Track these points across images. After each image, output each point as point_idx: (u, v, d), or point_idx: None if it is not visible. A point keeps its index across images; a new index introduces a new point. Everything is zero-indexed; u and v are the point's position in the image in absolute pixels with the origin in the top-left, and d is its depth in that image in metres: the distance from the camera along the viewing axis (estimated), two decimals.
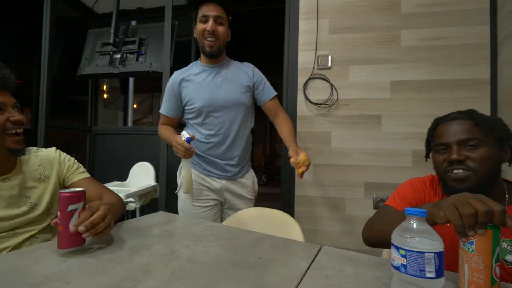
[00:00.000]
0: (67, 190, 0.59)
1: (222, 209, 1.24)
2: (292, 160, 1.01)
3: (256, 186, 1.27)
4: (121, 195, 1.68)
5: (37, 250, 0.62)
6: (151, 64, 1.92)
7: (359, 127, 1.35)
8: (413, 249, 0.34)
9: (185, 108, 1.19)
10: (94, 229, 0.59)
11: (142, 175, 2.14)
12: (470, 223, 0.46)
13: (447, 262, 0.46)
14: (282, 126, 1.18)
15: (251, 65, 1.26)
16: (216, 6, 1.11)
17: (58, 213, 0.58)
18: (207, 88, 1.16)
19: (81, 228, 0.57)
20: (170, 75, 1.83)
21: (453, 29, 1.27)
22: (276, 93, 1.22)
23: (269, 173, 6.97)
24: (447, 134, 0.70)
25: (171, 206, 1.92)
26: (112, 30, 2.01)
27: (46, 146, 0.90)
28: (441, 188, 0.75)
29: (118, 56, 1.99)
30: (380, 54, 1.34)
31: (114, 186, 2.10)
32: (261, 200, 1.29)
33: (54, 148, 0.89)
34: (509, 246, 0.64)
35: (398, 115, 1.31)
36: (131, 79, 3.42)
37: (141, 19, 2.41)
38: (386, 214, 0.74)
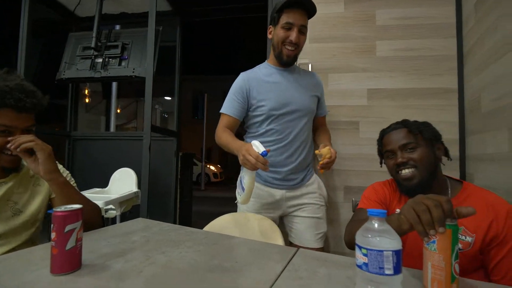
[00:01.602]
0: (62, 208, 0.53)
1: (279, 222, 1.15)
2: (316, 151, 0.98)
3: (325, 192, 1.19)
4: (100, 202, 1.65)
5: (6, 259, 0.60)
6: (134, 69, 1.90)
7: (338, 133, 1.39)
8: (374, 248, 0.36)
9: (251, 110, 1.10)
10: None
11: (123, 182, 2.09)
12: (427, 220, 0.50)
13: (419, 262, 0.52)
14: (323, 133, 1.18)
15: (317, 75, 1.22)
16: (302, 14, 1.04)
17: (53, 234, 0.52)
18: (280, 90, 1.09)
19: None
20: (154, 80, 1.84)
21: (424, 41, 1.35)
22: (327, 112, 1.25)
23: None
24: (391, 142, 0.83)
25: (153, 213, 1.88)
26: (94, 34, 1.98)
27: None
28: (397, 186, 0.86)
29: (100, 60, 1.96)
30: (358, 63, 1.40)
31: (93, 193, 2.04)
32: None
33: None
34: (459, 234, 0.70)
35: (374, 122, 1.36)
36: (114, 84, 3.36)
37: (124, 24, 2.39)
38: (361, 220, 0.79)
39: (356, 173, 1.38)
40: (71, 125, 2.59)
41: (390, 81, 1.36)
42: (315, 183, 1.16)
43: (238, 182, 1.04)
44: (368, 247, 0.37)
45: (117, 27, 2.45)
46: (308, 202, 1.12)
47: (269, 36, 1.12)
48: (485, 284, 0.56)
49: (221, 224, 1.04)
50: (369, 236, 0.38)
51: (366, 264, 0.37)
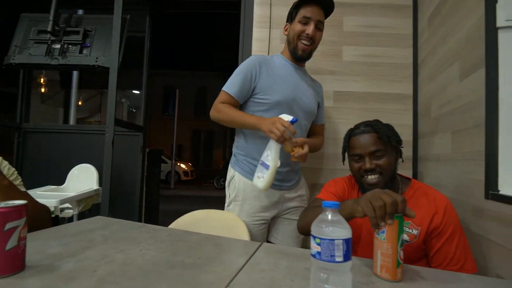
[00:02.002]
0: (2, 204, 0.48)
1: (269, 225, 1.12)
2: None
3: (308, 194, 1.18)
4: (54, 201, 1.52)
5: None
6: (97, 58, 1.77)
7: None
8: (326, 237, 0.39)
9: (255, 97, 1.04)
10: None
11: (82, 179, 1.95)
12: (381, 214, 0.54)
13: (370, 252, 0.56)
14: (314, 138, 1.15)
15: (320, 84, 1.23)
16: (320, 9, 1.03)
17: None
18: (291, 84, 1.05)
19: None
20: (119, 71, 1.74)
21: (385, 49, 1.45)
22: (325, 122, 1.25)
23: None
24: (360, 147, 0.84)
25: (116, 212, 1.78)
26: (51, 17, 1.80)
27: None
28: (359, 186, 0.90)
29: (58, 46, 1.79)
30: (326, 66, 1.46)
31: (47, 191, 1.87)
32: (219, 204, 1.25)
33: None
34: (404, 227, 0.77)
35: (340, 123, 1.44)
36: (75, 73, 3.10)
37: (87, 9, 2.22)
38: (315, 207, 0.84)
39: (321, 171, 1.44)
40: (21, 116, 2.34)
41: (354, 84, 1.45)
42: (304, 185, 1.17)
43: (258, 165, 0.94)
44: (321, 237, 0.39)
45: (80, 12, 2.27)
46: (299, 205, 1.12)
47: (285, 33, 1.10)
48: (423, 268, 0.62)
49: (187, 221, 1.03)
50: (323, 226, 0.40)
51: (319, 253, 0.39)
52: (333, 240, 0.38)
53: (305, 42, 1.03)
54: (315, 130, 1.20)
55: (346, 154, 0.91)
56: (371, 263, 0.58)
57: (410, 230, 0.78)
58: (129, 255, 0.61)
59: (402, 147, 0.88)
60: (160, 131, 14.11)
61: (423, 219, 0.78)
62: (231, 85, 1.03)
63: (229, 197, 1.09)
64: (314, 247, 0.40)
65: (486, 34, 0.85)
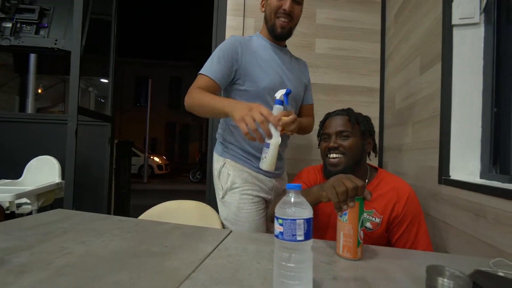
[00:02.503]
0: None
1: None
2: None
3: None
4: (9, 195, 1.39)
5: None
6: (56, 40, 1.62)
7: None
8: (288, 218, 0.40)
9: (236, 83, 0.95)
10: None
11: (42, 171, 1.80)
12: (343, 199, 0.57)
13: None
14: (304, 118, 1.09)
15: (305, 62, 1.16)
16: None
17: None
18: (276, 68, 0.98)
19: None
20: (83, 56, 1.61)
21: (355, 43, 1.50)
22: (313, 102, 1.19)
23: (204, 170, 6.88)
24: (329, 126, 0.89)
25: (82, 206, 1.67)
26: None
27: None
28: (323, 168, 0.92)
29: (9, 25, 1.61)
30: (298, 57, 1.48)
31: (2, 185, 1.70)
32: (194, 198, 1.20)
33: None
34: (368, 216, 0.82)
35: None
36: (32, 57, 2.82)
37: None
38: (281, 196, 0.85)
39: (291, 161, 1.48)
40: None
41: (325, 77, 1.48)
42: (286, 177, 1.15)
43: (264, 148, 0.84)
44: (284, 217, 0.40)
45: None
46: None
47: (262, 10, 1.03)
48: (381, 247, 0.67)
49: (157, 212, 1.00)
50: (286, 207, 0.41)
51: (281, 233, 0.40)
52: (295, 220, 0.39)
53: (282, 18, 0.96)
54: (304, 111, 1.15)
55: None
56: (335, 244, 0.61)
57: (373, 219, 0.81)
58: (90, 246, 0.58)
59: (373, 138, 0.91)
60: (132, 122, 13.46)
61: (385, 208, 0.81)
62: (210, 67, 0.93)
63: (222, 188, 0.97)
64: (277, 228, 0.41)
65: (443, 31, 0.91)
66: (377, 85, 1.51)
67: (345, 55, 1.50)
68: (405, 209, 0.80)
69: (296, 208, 0.41)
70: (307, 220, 0.40)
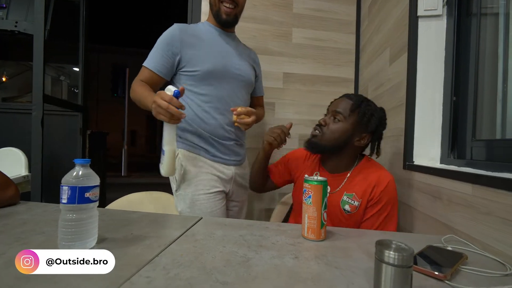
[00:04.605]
0: None
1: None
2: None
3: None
4: None
5: None
6: (16, 22, 1.50)
7: None
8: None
9: (183, 70, 0.94)
10: None
11: (6, 164, 1.69)
12: (280, 140, 0.94)
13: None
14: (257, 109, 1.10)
15: (255, 53, 1.16)
16: None
17: None
18: (220, 51, 0.97)
19: None
20: (45, 39, 1.50)
21: (331, 34, 1.52)
22: (263, 93, 1.20)
23: None
24: (332, 104, 0.90)
25: (52, 201, 1.60)
26: None
27: None
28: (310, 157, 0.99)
29: None
30: (275, 47, 1.48)
31: None
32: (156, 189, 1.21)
33: None
34: (348, 199, 0.84)
35: (288, 104, 1.48)
36: None
37: None
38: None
39: (252, 150, 1.49)
40: None
41: (302, 67, 1.50)
42: (247, 165, 1.12)
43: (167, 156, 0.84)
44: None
45: None
46: (247, 184, 1.09)
47: None
48: (343, 228, 0.70)
49: (122, 205, 0.97)
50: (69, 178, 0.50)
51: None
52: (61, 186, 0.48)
53: (227, 4, 0.95)
54: (255, 101, 1.16)
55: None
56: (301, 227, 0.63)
57: (353, 202, 0.83)
58: (50, 236, 0.56)
59: (370, 135, 0.86)
60: (110, 114, 12.89)
61: (365, 192, 0.83)
62: (151, 59, 0.92)
63: (176, 180, 0.94)
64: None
65: (409, 22, 0.94)
66: (352, 75, 1.55)
67: (321, 46, 1.52)
68: (382, 194, 0.81)
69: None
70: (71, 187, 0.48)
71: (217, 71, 0.94)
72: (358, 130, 0.85)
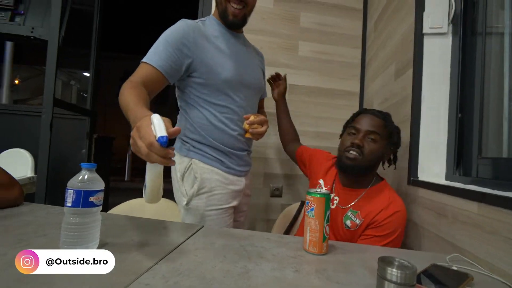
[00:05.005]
0: None
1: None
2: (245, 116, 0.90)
3: None
4: None
5: None
6: (33, 28, 1.56)
7: None
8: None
9: (194, 77, 0.84)
10: None
11: (13, 165, 1.72)
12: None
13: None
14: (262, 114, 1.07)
15: (262, 54, 1.11)
16: None
17: None
18: (235, 58, 0.89)
19: None
20: (62, 47, 1.56)
21: (336, 48, 1.54)
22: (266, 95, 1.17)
23: None
24: (362, 122, 0.86)
25: (56, 203, 1.61)
26: None
27: None
28: (337, 161, 0.92)
29: None
30: (282, 59, 1.50)
31: None
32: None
33: None
34: (351, 215, 0.84)
35: (292, 115, 1.47)
36: (8, 45, 2.70)
37: None
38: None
39: (274, 161, 1.49)
40: None
41: (307, 79, 1.51)
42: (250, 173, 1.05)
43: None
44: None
45: None
46: (250, 193, 1.04)
47: None
48: (346, 243, 0.69)
49: (122, 211, 0.97)
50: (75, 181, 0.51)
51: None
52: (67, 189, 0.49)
53: (234, 5, 0.85)
54: (258, 104, 1.09)
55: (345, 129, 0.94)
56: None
57: (355, 219, 0.83)
58: (52, 239, 0.56)
59: (394, 152, 0.91)
60: (118, 119, 13.06)
61: (370, 212, 0.81)
62: (156, 55, 0.77)
63: (187, 194, 0.86)
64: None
65: (414, 39, 0.96)
66: (356, 89, 1.56)
67: (327, 59, 1.54)
68: (387, 220, 0.78)
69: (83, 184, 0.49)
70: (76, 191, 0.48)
71: (234, 81, 0.87)
72: (388, 148, 0.87)
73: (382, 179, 0.91)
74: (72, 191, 0.48)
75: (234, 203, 0.91)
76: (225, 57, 0.87)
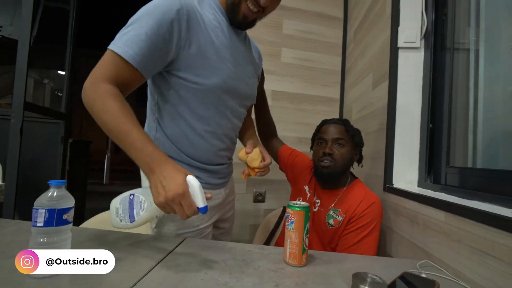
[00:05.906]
0: None
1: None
2: (241, 153, 0.81)
3: None
4: None
5: None
6: (1, 26, 1.47)
7: None
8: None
9: (177, 75, 0.66)
10: None
11: None
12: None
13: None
14: (249, 124, 0.95)
15: (261, 51, 0.95)
16: None
17: None
18: (231, 61, 0.71)
19: None
20: (31, 44, 1.46)
21: (318, 55, 1.58)
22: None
23: None
24: (327, 133, 0.95)
25: (26, 212, 1.52)
26: None
27: None
28: (314, 170, 0.99)
29: None
30: (265, 65, 1.49)
31: None
32: None
33: None
34: (333, 213, 0.90)
35: (276, 121, 1.51)
36: None
37: None
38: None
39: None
40: None
41: (290, 85, 1.54)
42: (232, 181, 0.93)
43: (120, 200, 0.60)
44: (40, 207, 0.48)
45: None
46: (234, 195, 0.94)
47: None
48: (325, 252, 0.71)
49: (100, 221, 0.94)
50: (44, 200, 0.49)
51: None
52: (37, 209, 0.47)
53: (252, 6, 0.68)
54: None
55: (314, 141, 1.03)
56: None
57: (337, 216, 0.90)
58: None
59: (361, 151, 0.99)
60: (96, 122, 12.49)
61: (350, 207, 0.89)
62: (131, 44, 0.58)
63: (157, 216, 0.73)
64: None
65: (390, 52, 1.00)
66: (337, 95, 1.60)
67: (309, 66, 1.57)
68: (365, 212, 0.86)
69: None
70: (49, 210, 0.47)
71: (225, 87, 0.71)
72: (354, 149, 0.96)
73: (356, 177, 1.00)
74: (43, 210, 0.47)
75: (213, 220, 0.80)
76: (221, 58, 0.69)
